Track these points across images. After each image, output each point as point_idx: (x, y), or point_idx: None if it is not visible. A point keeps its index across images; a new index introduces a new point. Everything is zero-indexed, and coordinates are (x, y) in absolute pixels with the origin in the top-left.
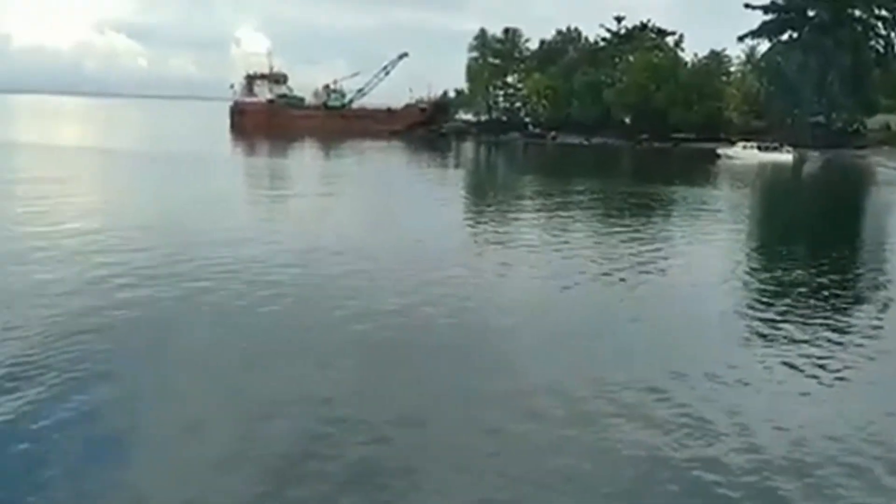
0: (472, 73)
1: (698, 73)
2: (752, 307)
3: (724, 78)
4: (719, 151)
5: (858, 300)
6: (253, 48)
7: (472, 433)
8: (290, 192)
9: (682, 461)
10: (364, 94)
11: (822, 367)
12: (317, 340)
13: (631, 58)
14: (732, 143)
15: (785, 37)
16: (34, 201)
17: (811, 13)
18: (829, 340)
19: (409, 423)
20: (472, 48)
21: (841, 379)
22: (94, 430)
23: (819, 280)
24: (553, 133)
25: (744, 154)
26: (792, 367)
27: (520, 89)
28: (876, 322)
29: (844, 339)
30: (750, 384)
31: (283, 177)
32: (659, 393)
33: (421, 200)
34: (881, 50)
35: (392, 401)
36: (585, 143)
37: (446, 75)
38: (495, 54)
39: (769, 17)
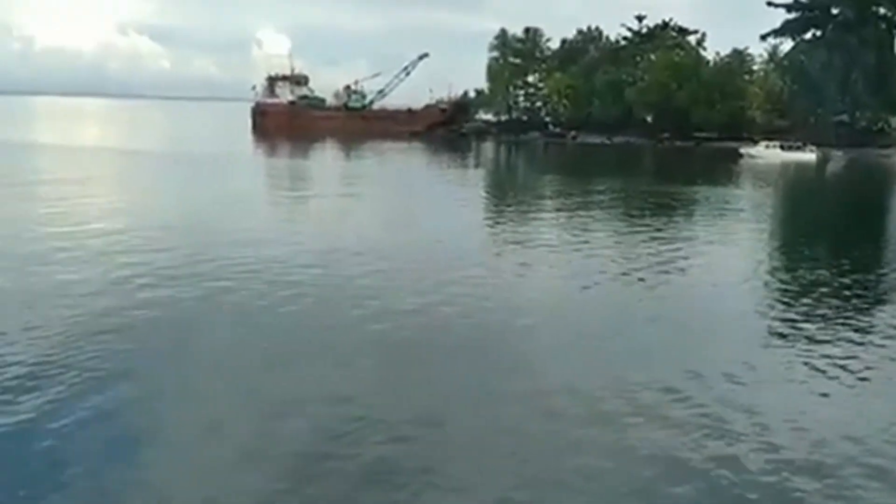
0: (493, 72)
1: (721, 71)
2: (773, 307)
3: (746, 77)
4: (742, 151)
5: (881, 301)
6: (274, 50)
7: (491, 432)
8: (312, 193)
9: (701, 461)
10: (385, 95)
11: (842, 367)
12: (336, 340)
13: (653, 56)
14: (755, 143)
15: (808, 35)
16: (57, 202)
17: (835, 11)
18: (851, 341)
19: (427, 422)
20: (492, 48)
21: (862, 379)
22: (115, 429)
23: (841, 280)
24: (574, 132)
25: (766, 153)
26: (812, 367)
27: (540, 89)
28: None
29: (866, 339)
30: (770, 384)
31: (304, 177)
32: (678, 393)
33: (441, 201)
34: None
35: (411, 400)
36: (606, 142)
37: (467, 75)
38: (516, 54)
39: (792, 15)
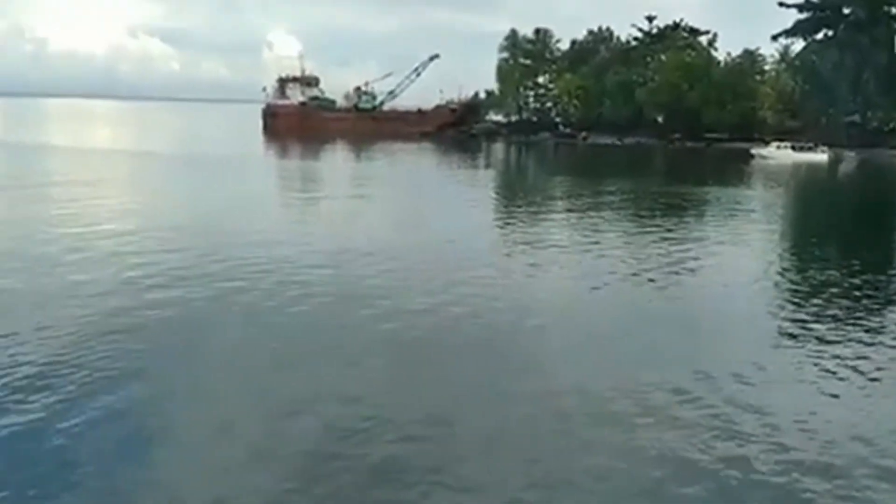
0: (503, 73)
1: (732, 72)
2: (783, 308)
3: (757, 77)
4: (753, 151)
5: (892, 302)
6: (285, 51)
7: (501, 432)
8: (322, 194)
9: (711, 462)
10: (395, 96)
11: (853, 368)
12: (347, 339)
13: (663, 57)
14: (766, 143)
15: (820, 35)
16: (68, 203)
17: (847, 11)
18: (861, 342)
19: (437, 421)
20: (502, 49)
21: (873, 380)
22: (126, 429)
23: (852, 281)
24: (584, 133)
25: (778, 154)
26: (823, 368)
27: (551, 89)
28: None
29: (876, 340)
30: (780, 385)
31: (314, 178)
32: (688, 393)
33: (451, 201)
34: None
35: (421, 399)
36: (617, 143)
37: (477, 76)
38: (526, 55)
39: (804, 15)
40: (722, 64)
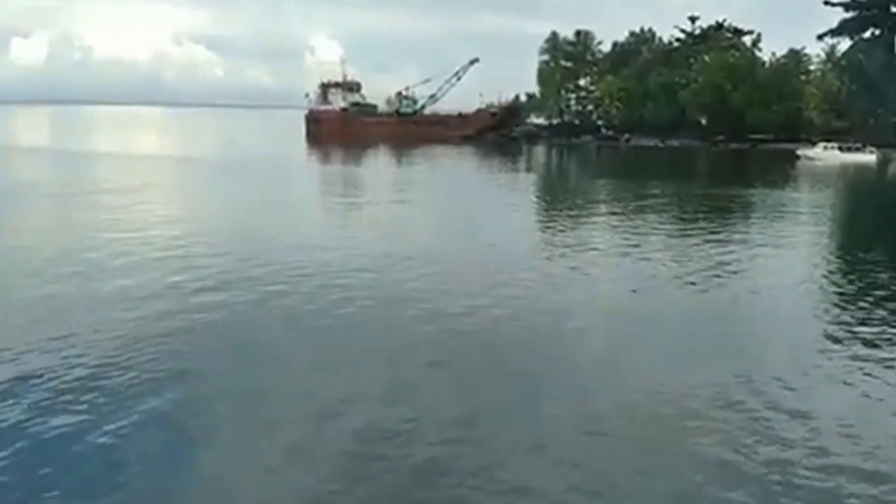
0: (544, 76)
1: (776, 72)
2: (829, 311)
3: (803, 77)
4: (799, 152)
5: None
6: (327, 57)
7: (542, 435)
8: (364, 199)
9: (754, 466)
10: (436, 100)
11: None
12: (388, 342)
13: (706, 58)
14: (813, 144)
15: (867, 34)
16: (115, 209)
17: (894, 9)
18: None
19: (478, 423)
20: (543, 51)
21: None
22: (172, 429)
23: None
24: (627, 135)
25: (825, 155)
26: (869, 372)
27: (592, 92)
28: None
29: None
30: (825, 389)
31: (356, 183)
32: (731, 397)
33: (491, 205)
34: None
35: (461, 401)
36: (660, 144)
37: (517, 79)
38: (567, 57)
39: (850, 14)
40: (766, 64)
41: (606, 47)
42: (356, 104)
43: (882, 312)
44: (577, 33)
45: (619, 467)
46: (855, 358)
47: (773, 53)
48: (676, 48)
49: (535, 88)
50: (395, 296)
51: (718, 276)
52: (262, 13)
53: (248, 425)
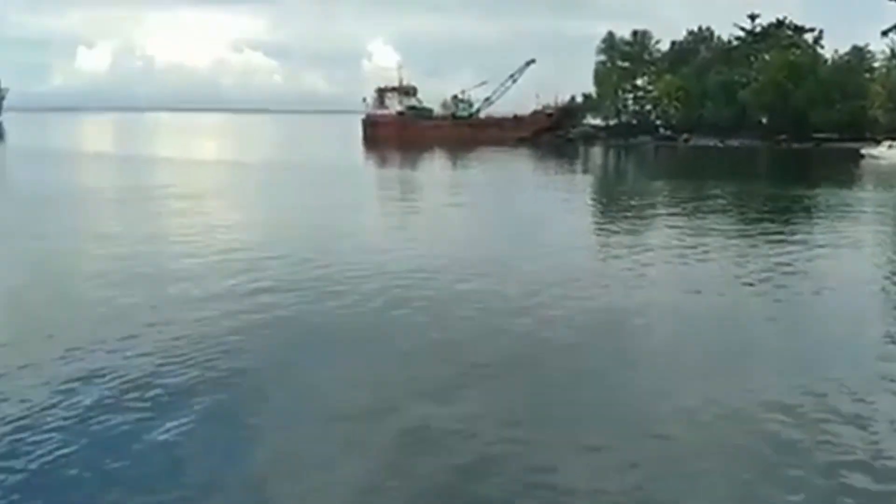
0: (600, 76)
1: (839, 69)
2: (892, 314)
3: (867, 74)
4: (863, 151)
5: None
6: (383, 62)
7: (597, 436)
8: (421, 201)
9: (811, 472)
10: (491, 103)
11: None
12: (444, 341)
13: (767, 56)
14: (878, 143)
15: None
16: (178, 214)
17: None
18: None
19: (532, 424)
20: (599, 51)
21: None
22: (230, 425)
23: None
24: (685, 135)
25: (890, 154)
26: None
27: (650, 91)
28: None
29: None
30: (886, 395)
31: (413, 186)
32: (789, 401)
33: (547, 207)
34: None
35: (516, 401)
36: (719, 144)
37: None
38: (624, 57)
39: None
40: (829, 62)
41: (664, 46)
42: (412, 108)
43: None
44: (634, 33)
45: (675, 470)
46: None
47: (836, 51)
48: (736, 47)
49: (591, 89)
50: (451, 296)
51: (779, 277)
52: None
53: (303, 420)
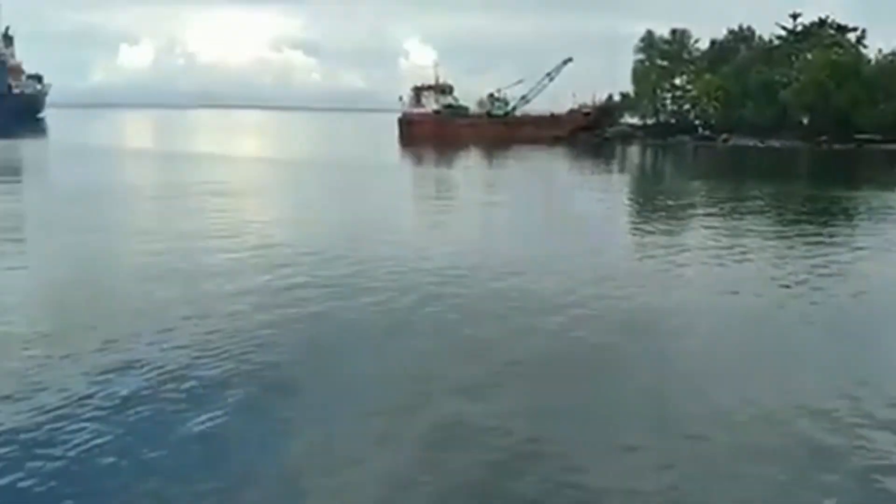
0: (639, 75)
1: (884, 69)
2: None
3: None
4: None
5: None
6: (420, 60)
7: (631, 436)
8: (457, 200)
9: (847, 477)
10: (527, 101)
11: None
12: (477, 338)
13: (808, 55)
14: None
15: None
16: (216, 210)
17: None
18: None
19: (566, 422)
20: (637, 50)
21: None
22: (264, 417)
23: None
24: (725, 135)
25: None
26: None
27: (689, 91)
28: None
29: None
30: None
31: (450, 185)
32: (826, 404)
33: (584, 206)
34: None
35: (550, 400)
36: (759, 145)
37: (611, 79)
38: (663, 56)
39: None
40: (872, 62)
41: (704, 45)
42: (448, 106)
43: None
44: (673, 31)
45: (710, 471)
46: None
47: (879, 50)
48: (777, 46)
49: (629, 88)
50: (485, 294)
51: (818, 279)
52: (355, 18)
53: (337, 415)
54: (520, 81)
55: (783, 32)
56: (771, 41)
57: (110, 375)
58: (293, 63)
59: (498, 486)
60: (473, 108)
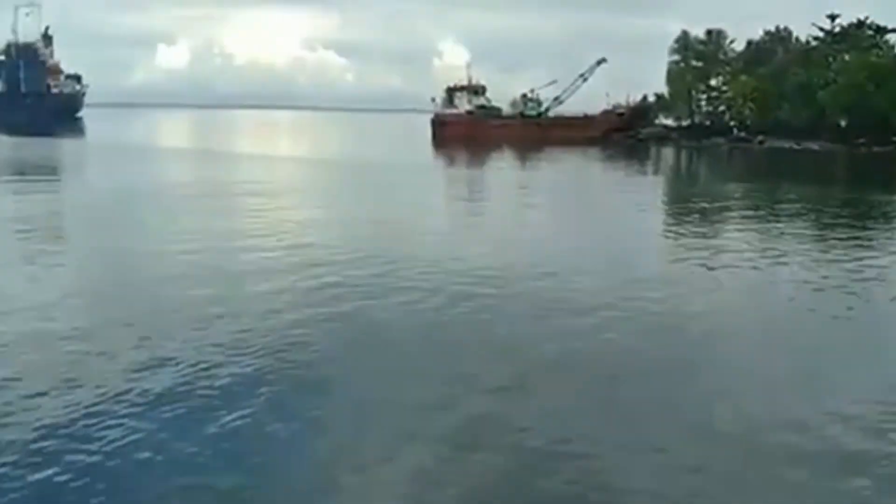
0: (673, 76)
1: None
2: None
3: None
4: None
5: None
6: (453, 60)
7: (661, 438)
8: (489, 201)
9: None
10: (561, 102)
11: None
12: (508, 337)
13: (847, 57)
14: None
15: None
16: (252, 211)
17: None
18: None
19: (595, 422)
20: (672, 51)
21: None
22: (295, 414)
23: None
24: (761, 137)
25: None
26: None
27: (724, 92)
28: None
29: None
30: None
31: (482, 186)
32: (862, 412)
33: (618, 208)
34: None
35: (581, 401)
36: (796, 147)
37: (645, 80)
38: (698, 56)
39: None
40: None
41: (740, 46)
42: (481, 107)
43: None
44: (709, 32)
45: (739, 476)
46: None
47: None
48: (814, 47)
49: (663, 89)
50: (516, 294)
51: (854, 283)
52: (389, 18)
53: (367, 413)
54: (553, 82)
55: (820, 34)
56: (808, 42)
57: (145, 372)
58: (327, 63)
59: (527, 485)
60: (506, 108)
